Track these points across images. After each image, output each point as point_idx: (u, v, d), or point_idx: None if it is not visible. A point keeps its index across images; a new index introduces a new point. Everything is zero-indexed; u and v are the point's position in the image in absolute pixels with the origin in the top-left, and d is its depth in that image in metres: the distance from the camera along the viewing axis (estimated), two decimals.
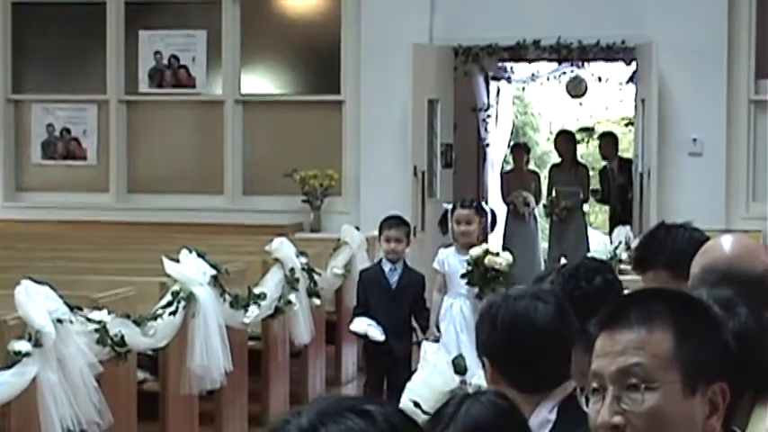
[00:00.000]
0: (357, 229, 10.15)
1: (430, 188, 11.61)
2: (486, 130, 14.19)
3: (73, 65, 12.68)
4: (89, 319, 6.01)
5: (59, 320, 5.68)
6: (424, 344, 4.94)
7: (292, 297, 8.28)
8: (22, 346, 5.51)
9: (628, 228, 10.41)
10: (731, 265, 3.25)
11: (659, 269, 3.91)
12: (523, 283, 6.24)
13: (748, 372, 2.47)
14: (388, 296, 7.88)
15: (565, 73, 14.10)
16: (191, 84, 12.41)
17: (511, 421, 2.83)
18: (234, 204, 12.29)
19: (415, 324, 8.03)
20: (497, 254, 7.74)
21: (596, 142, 14.99)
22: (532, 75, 14.26)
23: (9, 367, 5.47)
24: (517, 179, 13.62)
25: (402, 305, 7.87)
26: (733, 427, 2.16)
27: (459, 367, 4.73)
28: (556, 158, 14.01)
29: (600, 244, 10.74)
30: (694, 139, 11.28)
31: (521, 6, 11.55)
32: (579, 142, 15.16)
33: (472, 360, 4.73)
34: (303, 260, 8.59)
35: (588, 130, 17.69)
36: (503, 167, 14.86)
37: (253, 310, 7.71)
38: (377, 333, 7.69)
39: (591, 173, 13.63)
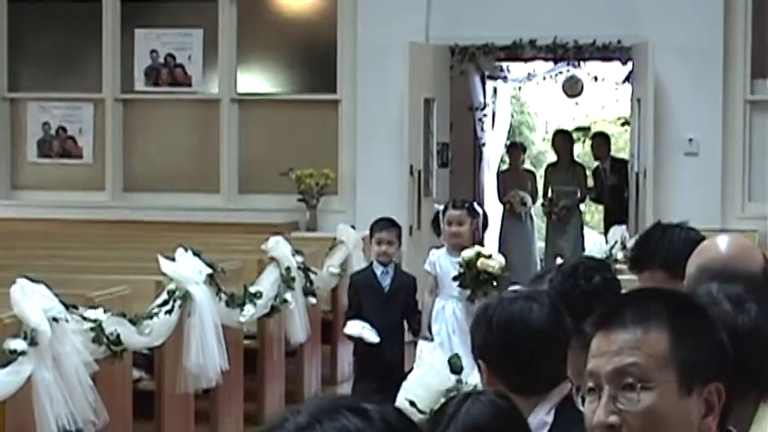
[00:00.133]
0: (353, 228, 10.15)
1: (426, 187, 11.60)
2: (482, 129, 14.18)
3: (69, 63, 12.66)
4: (85, 318, 6.00)
5: (55, 319, 5.67)
6: (420, 343, 4.94)
7: (288, 296, 8.27)
8: (18, 344, 5.51)
9: (623, 227, 10.39)
10: (727, 264, 3.25)
11: (655, 269, 3.92)
12: (520, 283, 6.24)
13: (755, 368, 2.47)
14: (381, 299, 7.69)
15: (561, 72, 14.10)
16: (187, 82, 12.40)
17: (511, 421, 2.83)
18: (230, 203, 12.28)
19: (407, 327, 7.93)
20: (490, 256, 7.57)
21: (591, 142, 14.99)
22: (529, 74, 14.26)
23: (4, 366, 5.46)
24: (513, 178, 13.63)
25: (395, 308, 7.69)
26: (729, 427, 2.16)
27: (456, 366, 4.73)
28: (552, 158, 14.01)
29: (595, 243, 10.73)
30: (690, 139, 11.29)
31: (517, 6, 11.55)
32: (576, 142, 15.16)
33: (465, 361, 4.73)
34: (299, 259, 8.59)
35: (584, 130, 17.69)
36: (499, 167, 14.86)
37: (248, 309, 7.71)
38: (372, 335, 7.51)
39: (587, 172, 13.64)
